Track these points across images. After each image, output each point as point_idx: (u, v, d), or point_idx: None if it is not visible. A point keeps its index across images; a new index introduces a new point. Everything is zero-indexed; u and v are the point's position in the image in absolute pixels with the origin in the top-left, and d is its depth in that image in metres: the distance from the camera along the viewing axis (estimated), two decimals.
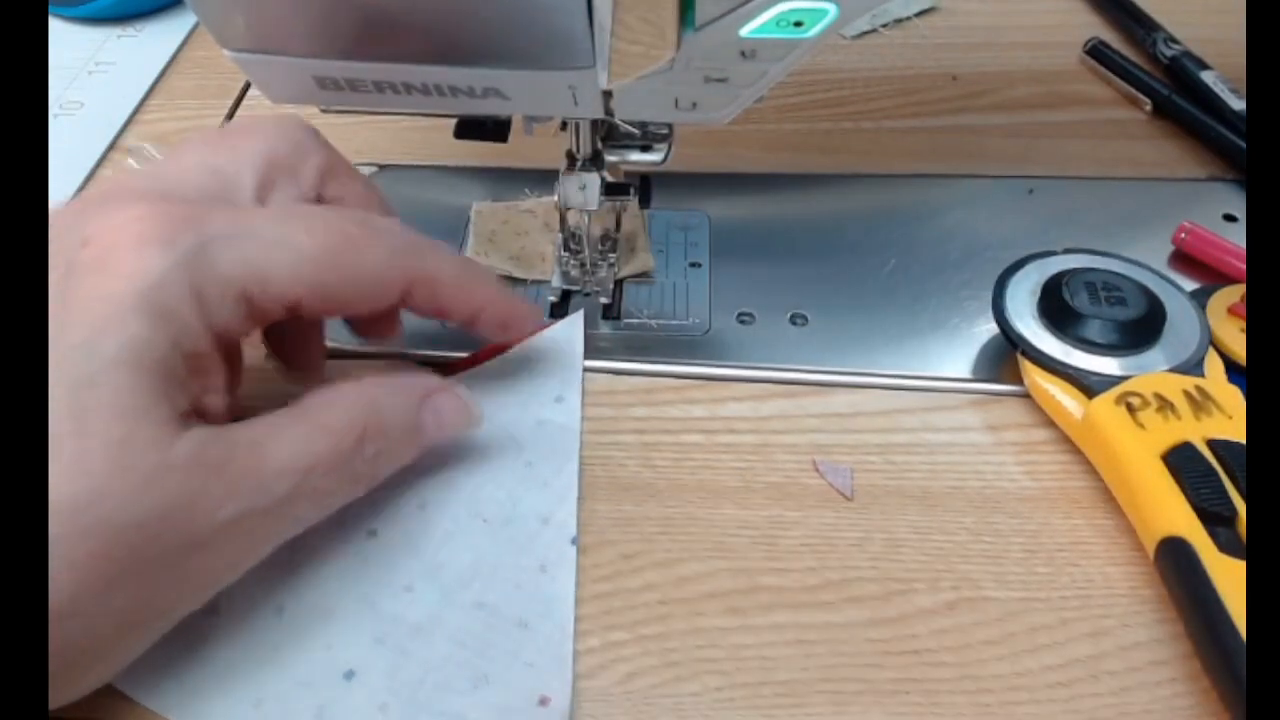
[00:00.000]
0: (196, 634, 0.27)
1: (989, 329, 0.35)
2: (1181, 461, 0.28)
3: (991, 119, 0.45)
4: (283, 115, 0.29)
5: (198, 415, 0.24)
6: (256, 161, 0.27)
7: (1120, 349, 0.31)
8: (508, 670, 0.27)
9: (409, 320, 0.37)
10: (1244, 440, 0.28)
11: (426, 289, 0.28)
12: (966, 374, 0.34)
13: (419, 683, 0.26)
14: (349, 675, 0.27)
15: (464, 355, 0.34)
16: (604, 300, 0.37)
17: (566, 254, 0.37)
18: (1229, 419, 0.29)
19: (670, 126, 0.33)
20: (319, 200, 0.29)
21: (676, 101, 0.29)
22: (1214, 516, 0.26)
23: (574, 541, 0.30)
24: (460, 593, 0.28)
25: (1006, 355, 0.33)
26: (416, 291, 0.28)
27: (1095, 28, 0.50)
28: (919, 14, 0.51)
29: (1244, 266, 0.36)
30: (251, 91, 0.48)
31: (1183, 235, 0.37)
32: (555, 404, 0.33)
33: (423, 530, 0.30)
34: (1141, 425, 0.29)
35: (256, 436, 0.24)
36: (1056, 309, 0.32)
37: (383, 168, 0.43)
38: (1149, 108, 0.44)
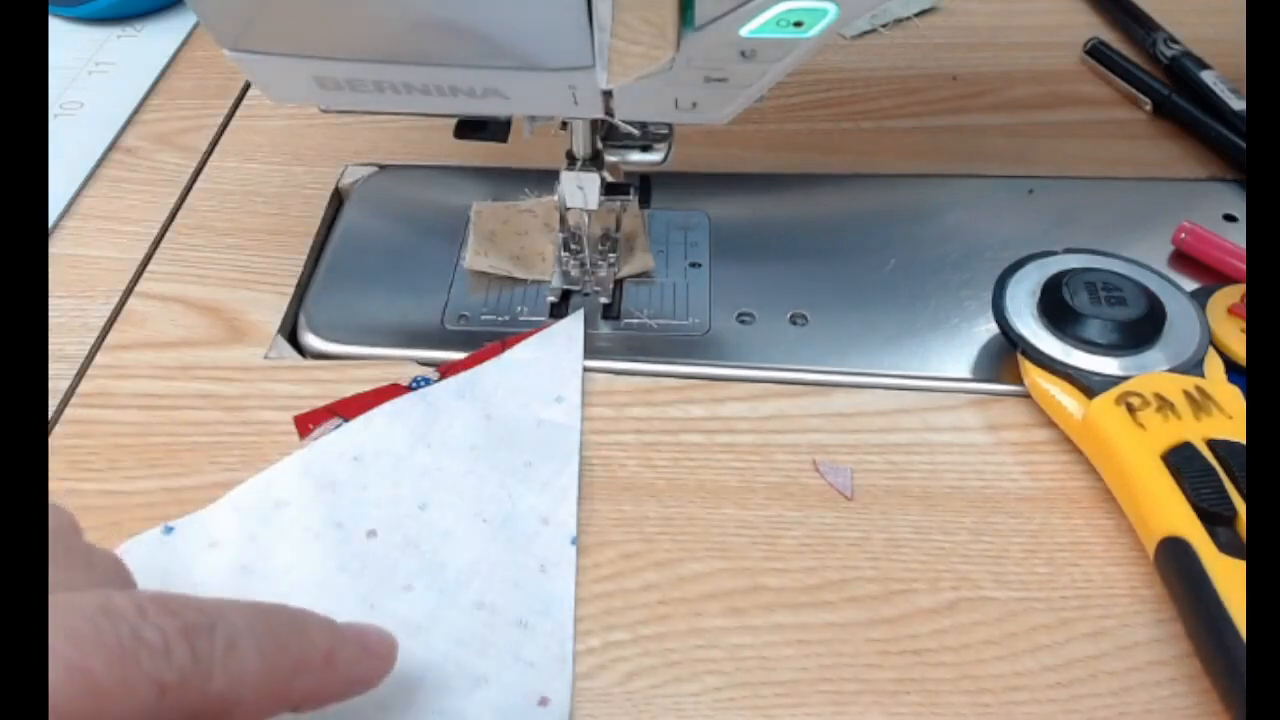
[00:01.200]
0: None
1: (989, 329, 0.35)
2: (1181, 461, 0.28)
3: (991, 119, 0.45)
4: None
5: None
6: None
7: (1120, 349, 0.31)
8: (507, 670, 0.27)
9: (409, 320, 0.37)
10: (1244, 440, 0.28)
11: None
12: (966, 374, 0.34)
13: (418, 682, 0.26)
14: None
15: (462, 356, 0.34)
16: (604, 300, 0.37)
17: (566, 254, 0.37)
18: (1229, 419, 0.29)
19: (670, 126, 0.33)
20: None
21: (676, 101, 0.29)
22: (1214, 516, 0.26)
23: (574, 541, 0.30)
24: (460, 593, 0.28)
25: (1006, 355, 0.33)
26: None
27: (1095, 28, 0.50)
28: (919, 14, 0.51)
29: (1244, 266, 0.36)
30: (251, 91, 0.48)
31: (1182, 235, 0.37)
32: (555, 404, 0.33)
33: (423, 530, 0.30)
34: (1141, 425, 0.29)
35: None
36: (1056, 309, 0.32)
37: (383, 168, 0.44)
38: (1149, 108, 0.44)
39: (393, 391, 0.33)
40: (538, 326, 0.36)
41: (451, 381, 0.34)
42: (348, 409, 0.33)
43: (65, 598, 0.19)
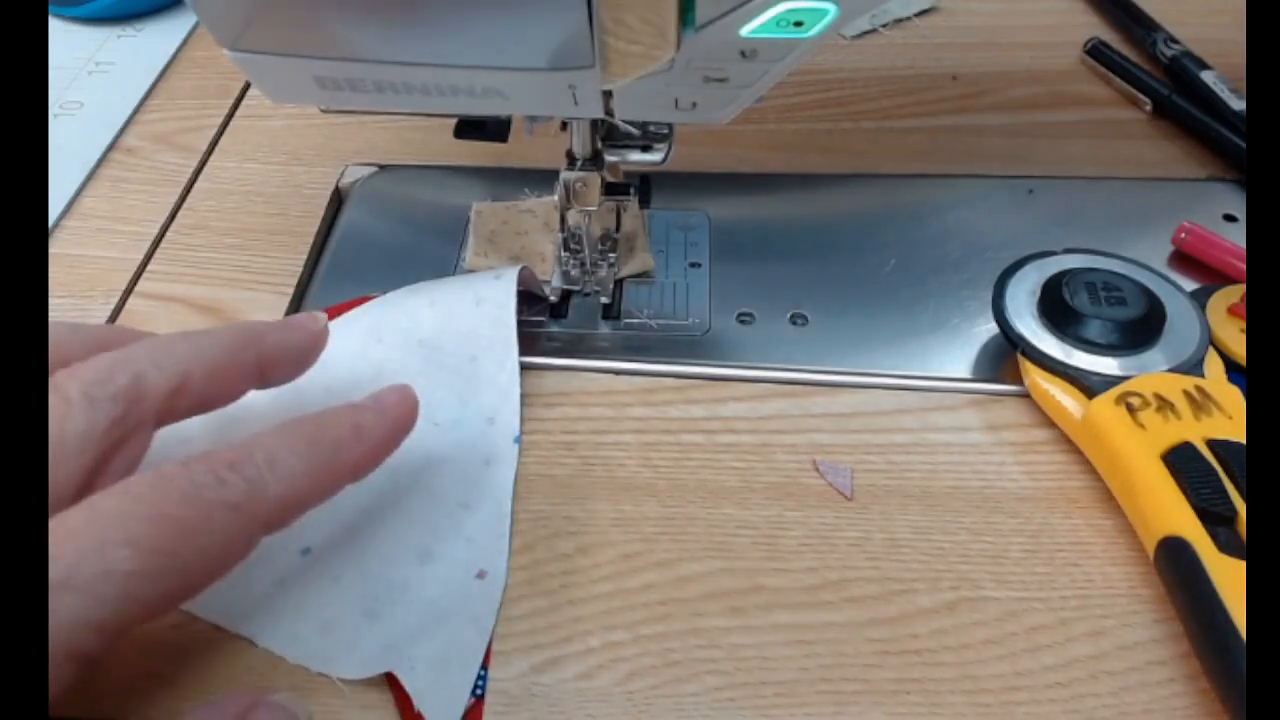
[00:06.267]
0: None
1: (989, 329, 0.35)
2: (1181, 461, 0.28)
3: (991, 119, 0.45)
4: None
5: None
6: (88, 437, 0.23)
7: (1120, 349, 0.31)
8: (450, 546, 0.29)
9: None
10: (1244, 440, 0.28)
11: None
12: (966, 374, 0.34)
13: (371, 555, 0.29)
14: (305, 551, 0.29)
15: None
16: (604, 300, 0.37)
17: (566, 254, 0.37)
18: (1229, 419, 0.29)
19: (670, 126, 0.33)
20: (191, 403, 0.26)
21: (676, 101, 0.29)
22: (1214, 516, 0.26)
23: (517, 440, 0.32)
24: (410, 481, 0.31)
25: (1006, 355, 0.33)
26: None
27: (1095, 28, 0.50)
28: (919, 14, 0.51)
29: (1244, 266, 0.36)
30: (251, 91, 0.48)
31: (1182, 235, 0.37)
32: (494, 280, 0.34)
33: None
34: (1141, 425, 0.29)
35: None
36: (1056, 309, 0.32)
37: (383, 168, 0.44)
38: (1149, 108, 0.44)
39: (364, 300, 0.35)
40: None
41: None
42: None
43: (120, 483, 0.22)
